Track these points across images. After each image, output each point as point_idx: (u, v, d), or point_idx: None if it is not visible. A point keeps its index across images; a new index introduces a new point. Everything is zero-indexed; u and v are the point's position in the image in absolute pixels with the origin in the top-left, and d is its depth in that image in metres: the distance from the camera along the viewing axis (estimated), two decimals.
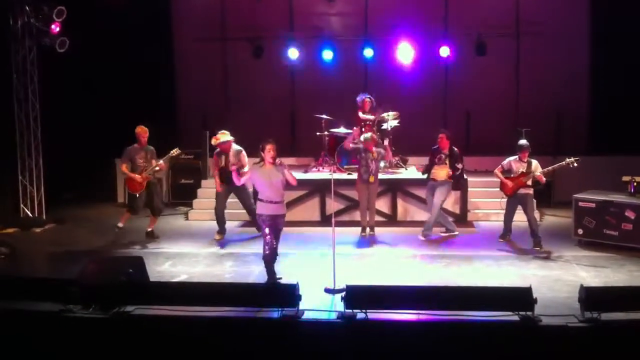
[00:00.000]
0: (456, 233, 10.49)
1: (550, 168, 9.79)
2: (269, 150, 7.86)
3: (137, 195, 10.33)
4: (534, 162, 9.77)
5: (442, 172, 10.22)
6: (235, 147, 10.24)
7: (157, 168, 10.36)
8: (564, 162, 9.67)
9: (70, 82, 13.03)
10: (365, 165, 10.44)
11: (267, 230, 7.89)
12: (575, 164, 9.56)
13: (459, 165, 10.24)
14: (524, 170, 9.74)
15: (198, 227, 11.50)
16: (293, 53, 13.82)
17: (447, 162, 10.17)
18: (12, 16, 11.42)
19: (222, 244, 10.25)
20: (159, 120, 13.66)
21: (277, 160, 7.97)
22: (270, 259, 7.94)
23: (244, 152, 10.24)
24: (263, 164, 7.94)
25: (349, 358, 6.70)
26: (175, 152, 10.47)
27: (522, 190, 9.79)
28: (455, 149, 10.31)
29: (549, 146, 12.96)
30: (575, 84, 14.01)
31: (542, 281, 8.02)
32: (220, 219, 10.54)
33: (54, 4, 11.30)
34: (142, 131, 10.34)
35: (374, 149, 10.42)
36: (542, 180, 9.74)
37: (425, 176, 10.52)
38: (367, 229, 10.62)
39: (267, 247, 7.91)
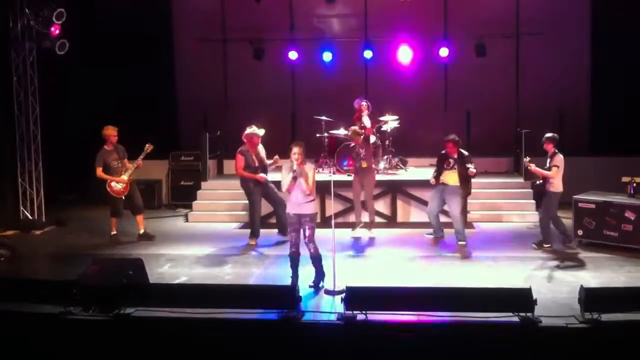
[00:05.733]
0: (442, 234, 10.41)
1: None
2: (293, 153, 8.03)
3: (122, 198, 10.36)
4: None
5: (451, 177, 9.98)
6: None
7: (135, 167, 10.35)
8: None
9: (70, 84, 13.03)
10: (356, 157, 10.67)
11: (290, 228, 8.03)
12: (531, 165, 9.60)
13: (472, 168, 9.77)
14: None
15: (198, 229, 11.49)
16: (293, 54, 13.82)
17: (457, 167, 9.89)
18: (12, 18, 11.40)
19: (224, 245, 10.27)
20: (159, 121, 13.75)
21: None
22: (291, 257, 7.99)
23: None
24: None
25: (349, 359, 6.70)
26: (149, 147, 10.35)
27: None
28: (465, 152, 10.04)
29: None
30: (576, 83, 14.02)
31: (542, 282, 8.02)
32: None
33: (54, 6, 11.30)
34: (113, 131, 10.32)
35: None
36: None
37: (432, 181, 10.18)
38: (359, 228, 10.61)
39: (290, 245, 8.02)
